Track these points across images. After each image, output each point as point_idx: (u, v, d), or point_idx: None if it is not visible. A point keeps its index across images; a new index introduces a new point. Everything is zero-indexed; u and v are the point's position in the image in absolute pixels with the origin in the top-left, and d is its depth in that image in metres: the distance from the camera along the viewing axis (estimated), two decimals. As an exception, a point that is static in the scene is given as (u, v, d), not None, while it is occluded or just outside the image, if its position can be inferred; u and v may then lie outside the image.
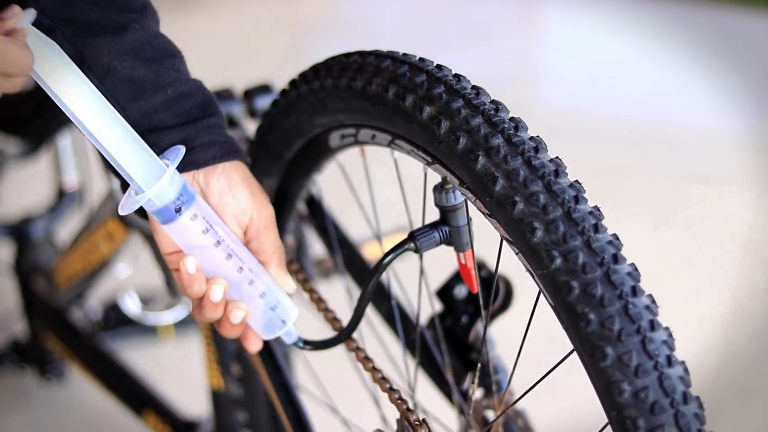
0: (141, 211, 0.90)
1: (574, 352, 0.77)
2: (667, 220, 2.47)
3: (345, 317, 1.02)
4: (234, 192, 0.92)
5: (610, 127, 2.87)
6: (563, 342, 0.77)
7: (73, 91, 0.83)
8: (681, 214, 2.50)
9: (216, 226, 0.89)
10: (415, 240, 0.92)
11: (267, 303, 0.94)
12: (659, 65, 3.14)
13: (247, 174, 0.94)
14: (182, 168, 0.90)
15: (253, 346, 0.97)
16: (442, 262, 1.14)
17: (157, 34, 0.92)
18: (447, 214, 0.92)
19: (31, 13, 0.80)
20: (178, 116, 0.91)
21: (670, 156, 2.74)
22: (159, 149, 0.90)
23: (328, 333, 1.03)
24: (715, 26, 3.34)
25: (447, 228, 0.92)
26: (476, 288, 0.97)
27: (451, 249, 0.94)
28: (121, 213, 0.87)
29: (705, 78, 3.06)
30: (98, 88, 0.87)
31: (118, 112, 0.88)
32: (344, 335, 0.99)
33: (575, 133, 2.79)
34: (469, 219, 0.92)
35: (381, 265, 0.93)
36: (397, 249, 0.92)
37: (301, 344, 0.99)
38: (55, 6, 0.88)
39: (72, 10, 0.88)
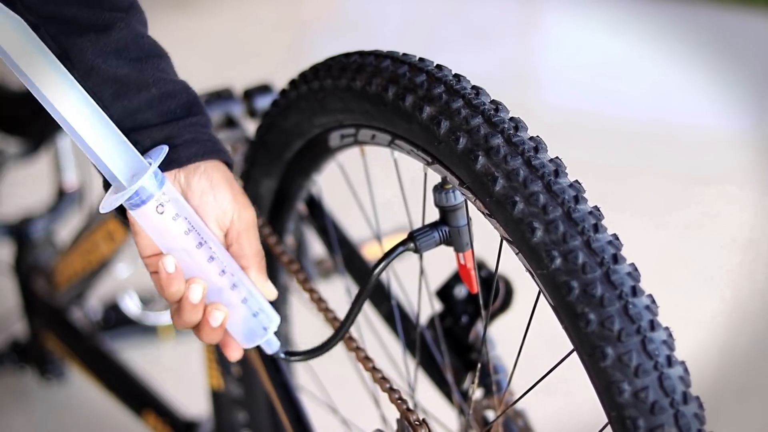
0: (123, 213, 0.89)
1: (574, 352, 0.77)
2: (667, 220, 2.47)
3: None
4: (215, 192, 0.91)
5: (610, 127, 2.87)
6: (563, 342, 0.77)
7: (50, 80, 0.82)
8: (681, 214, 2.50)
9: (198, 227, 0.88)
10: (415, 240, 0.92)
11: (249, 309, 0.91)
12: (659, 65, 3.14)
13: (229, 175, 0.93)
14: (164, 166, 0.89)
15: (233, 354, 0.95)
16: (442, 262, 1.14)
17: (142, 34, 0.91)
18: (447, 214, 0.92)
19: None
20: (162, 115, 0.90)
21: (670, 156, 2.74)
22: (142, 147, 0.89)
23: (327, 333, 1.03)
24: (715, 26, 3.34)
25: (447, 228, 0.92)
26: (476, 288, 0.97)
27: (450, 249, 0.94)
28: (102, 211, 0.86)
29: (705, 78, 3.06)
30: (83, 87, 0.87)
31: (103, 111, 0.87)
32: (330, 344, 0.97)
33: (575, 133, 2.79)
34: (468, 219, 0.92)
35: (379, 267, 0.92)
36: (397, 249, 0.92)
37: (282, 355, 0.96)
38: (40, 3, 0.88)
39: (57, 8, 0.88)
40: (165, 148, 0.86)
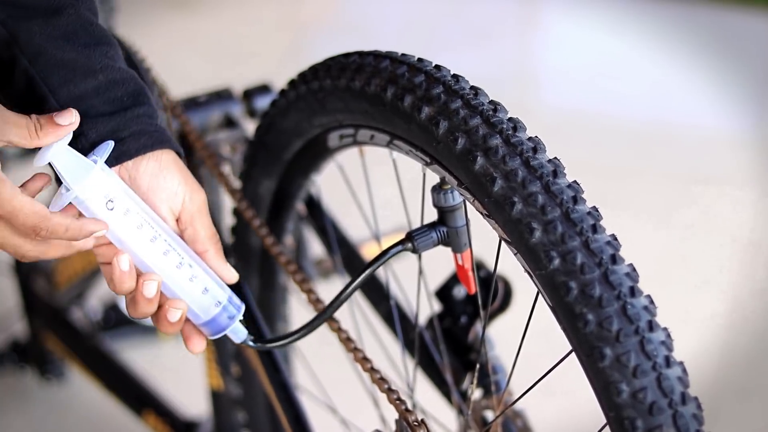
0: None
1: (573, 353, 0.77)
2: (666, 220, 2.47)
3: (344, 318, 1.02)
4: (164, 176, 0.89)
5: (610, 127, 2.87)
6: (562, 342, 0.77)
7: None
8: (681, 214, 2.50)
9: (150, 221, 0.87)
10: (413, 240, 0.92)
11: (211, 299, 0.89)
12: (659, 65, 3.14)
13: (178, 160, 0.91)
14: (114, 160, 0.88)
15: (196, 347, 0.92)
16: (441, 262, 1.14)
17: (91, 21, 0.91)
18: (445, 214, 0.92)
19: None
20: (108, 103, 0.90)
21: (670, 156, 2.74)
22: (87, 140, 0.88)
23: (327, 333, 1.03)
24: (715, 26, 3.33)
25: (445, 228, 0.92)
26: (474, 289, 0.97)
27: (448, 249, 0.94)
28: (51, 210, 0.84)
29: (705, 78, 3.06)
30: (29, 70, 0.87)
31: (48, 96, 0.87)
32: (304, 332, 0.94)
33: (575, 133, 2.79)
34: (467, 219, 0.92)
35: (376, 263, 0.92)
36: (395, 248, 0.92)
37: (251, 343, 0.93)
38: None
39: None
40: (110, 144, 0.85)
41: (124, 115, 0.90)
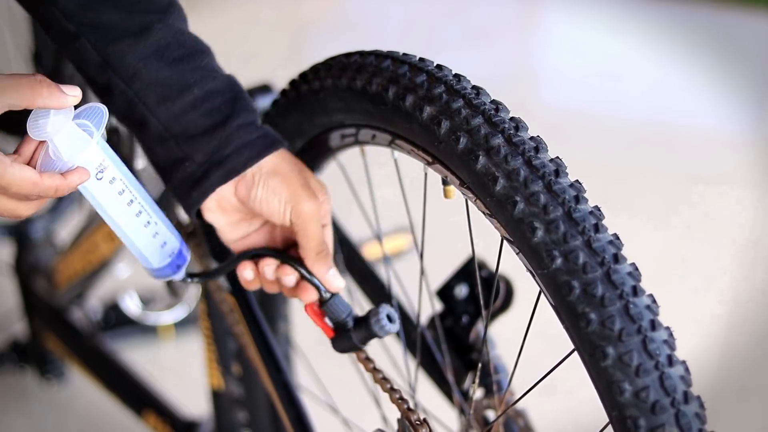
0: None
1: (575, 352, 0.77)
2: (667, 220, 2.47)
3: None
4: (272, 187, 0.92)
5: (610, 127, 2.87)
6: (564, 342, 0.77)
7: None
8: (681, 214, 2.50)
9: (130, 186, 0.89)
10: (326, 305, 0.96)
11: (167, 251, 0.95)
12: (659, 65, 3.14)
13: (285, 167, 0.93)
14: (223, 179, 0.92)
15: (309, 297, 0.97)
16: (442, 262, 1.14)
17: (182, 32, 0.92)
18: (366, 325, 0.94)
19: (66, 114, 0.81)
20: (207, 116, 0.91)
21: (671, 156, 2.74)
22: (194, 162, 0.92)
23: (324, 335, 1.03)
24: (715, 26, 3.34)
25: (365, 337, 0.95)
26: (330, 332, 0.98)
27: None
28: (41, 171, 0.84)
29: (705, 78, 3.06)
30: (128, 92, 0.88)
31: (148, 115, 0.90)
32: (228, 266, 1.00)
33: (575, 133, 2.79)
34: (468, 220, 0.92)
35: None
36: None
37: (189, 279, 1.00)
38: (79, 11, 0.88)
39: (94, 15, 0.88)
40: (104, 111, 0.84)
41: (224, 130, 0.92)
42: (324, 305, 0.96)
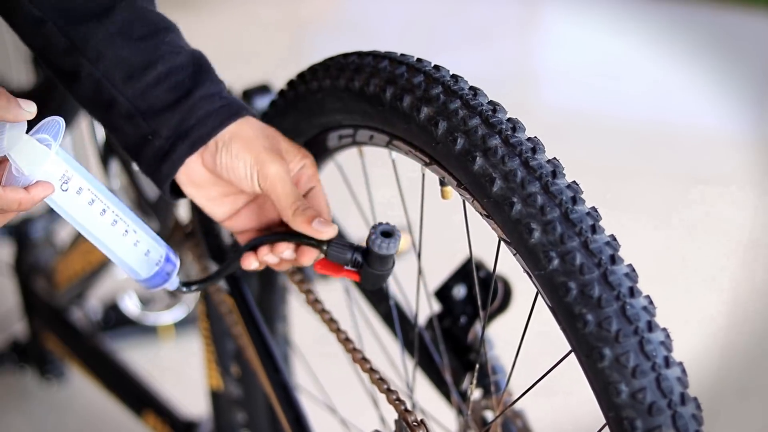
0: None
1: (572, 353, 0.77)
2: (667, 220, 2.47)
3: (343, 318, 1.02)
4: (235, 154, 0.92)
5: (610, 127, 2.87)
6: (561, 343, 0.77)
7: None
8: (681, 214, 2.50)
9: (101, 195, 0.88)
10: (328, 247, 0.93)
11: (152, 259, 0.94)
12: (659, 65, 3.14)
13: (249, 133, 0.93)
14: (190, 149, 0.92)
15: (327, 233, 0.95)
16: (440, 262, 1.14)
17: (145, 10, 0.92)
18: (372, 255, 0.92)
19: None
20: (171, 91, 0.91)
21: (671, 156, 2.74)
22: (161, 138, 0.91)
23: (326, 334, 1.03)
24: (715, 26, 3.34)
25: (361, 259, 0.93)
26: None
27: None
28: (3, 186, 0.84)
29: (705, 78, 3.06)
30: (95, 74, 0.89)
31: (116, 94, 0.89)
32: (221, 273, 1.00)
33: (575, 133, 2.79)
34: (466, 221, 0.92)
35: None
36: (310, 242, 0.94)
37: (184, 288, 0.99)
38: None
39: None
40: (60, 123, 0.84)
41: (186, 102, 0.92)
42: (328, 257, 0.94)
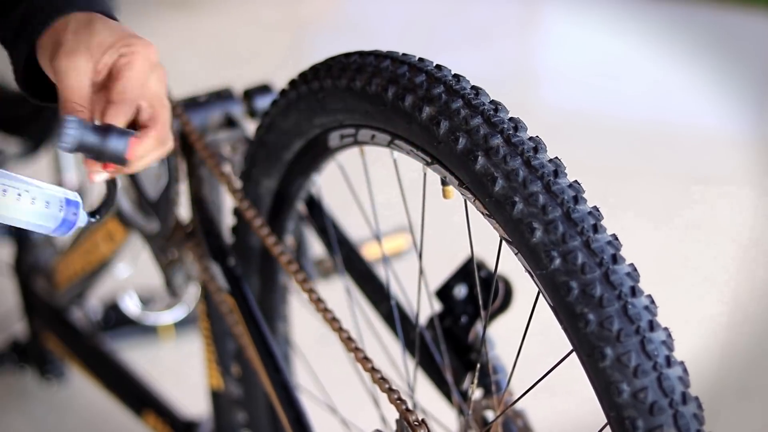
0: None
1: (573, 353, 0.77)
2: (667, 220, 2.47)
3: (344, 317, 1.02)
4: (72, 50, 0.91)
5: (610, 127, 2.87)
6: (562, 342, 0.77)
7: None
8: (681, 214, 2.50)
9: (8, 180, 0.90)
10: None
11: (54, 208, 0.94)
12: (659, 65, 3.14)
13: (85, 23, 0.92)
14: (25, 45, 0.91)
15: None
16: (441, 262, 1.14)
17: None
18: None
19: None
20: None
21: (671, 156, 2.74)
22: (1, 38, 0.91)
23: (326, 334, 1.03)
24: (715, 26, 3.33)
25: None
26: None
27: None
28: None
29: (705, 78, 3.06)
30: None
31: None
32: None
33: (575, 133, 2.79)
34: (468, 220, 0.92)
35: None
36: None
37: (92, 219, 0.98)
38: None
39: None
40: None
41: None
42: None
